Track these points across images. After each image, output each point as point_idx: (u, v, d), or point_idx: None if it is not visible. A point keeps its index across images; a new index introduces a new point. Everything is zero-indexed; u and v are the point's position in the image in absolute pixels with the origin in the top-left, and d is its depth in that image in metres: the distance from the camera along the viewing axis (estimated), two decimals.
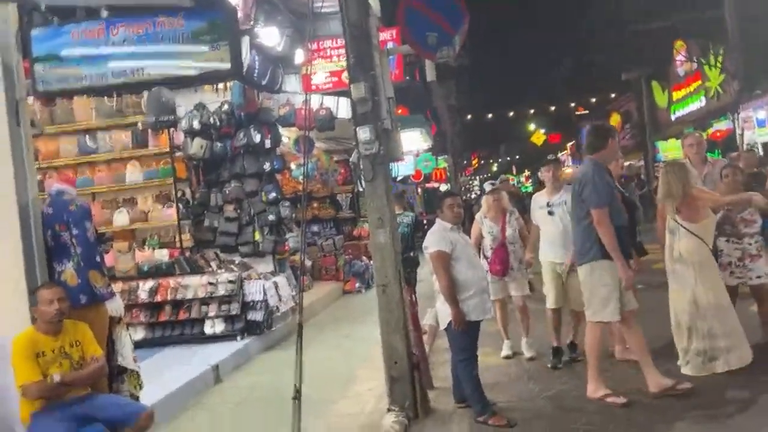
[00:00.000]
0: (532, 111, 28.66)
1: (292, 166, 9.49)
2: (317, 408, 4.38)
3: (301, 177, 8.90)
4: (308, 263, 9.51)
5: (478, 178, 46.00)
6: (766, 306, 4.74)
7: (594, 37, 21.23)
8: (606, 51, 20.34)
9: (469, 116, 29.44)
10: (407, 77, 12.23)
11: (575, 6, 24.41)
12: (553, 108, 26.99)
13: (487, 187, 5.71)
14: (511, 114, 28.23)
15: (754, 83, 13.68)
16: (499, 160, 47.97)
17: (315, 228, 10.98)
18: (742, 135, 14.27)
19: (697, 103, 17.18)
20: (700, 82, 16.84)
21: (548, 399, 4.38)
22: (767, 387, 4.05)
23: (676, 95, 18.68)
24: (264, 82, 6.22)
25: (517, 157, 45.27)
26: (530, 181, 38.67)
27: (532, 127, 33.63)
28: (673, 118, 18.98)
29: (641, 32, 17.38)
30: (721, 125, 15.68)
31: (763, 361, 4.31)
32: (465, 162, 39.47)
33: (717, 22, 14.67)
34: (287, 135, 8.47)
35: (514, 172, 44.68)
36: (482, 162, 47.38)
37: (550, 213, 5.03)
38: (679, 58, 17.71)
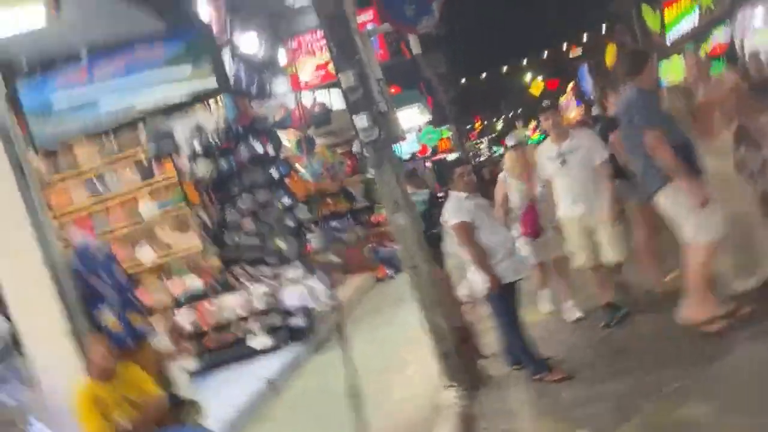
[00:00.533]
0: (524, 61, 28.03)
1: (298, 167, 9.48)
2: (373, 399, 4.39)
3: (309, 176, 8.89)
4: (336, 259, 9.53)
5: (484, 139, 45.38)
6: None
7: None
8: None
9: (462, 80, 28.97)
10: (393, 54, 12.09)
11: None
12: (546, 53, 26.33)
13: (509, 141, 5.38)
14: (505, 69, 27.65)
15: None
16: (503, 116, 47.30)
17: (334, 223, 10.97)
18: (742, 44, 13.81)
19: (691, 18, 16.66)
20: None
21: (593, 347, 4.34)
22: None
23: (668, 15, 18.12)
24: (253, 90, 6.20)
25: (520, 110, 44.58)
26: (537, 132, 38.13)
27: (528, 77, 33.00)
28: (668, 41, 18.45)
29: None
30: (720, 36, 15.19)
31: None
32: (468, 126, 39.05)
33: None
34: (288, 138, 8.44)
35: (521, 125, 44.04)
36: (485, 122, 46.79)
37: (563, 162, 4.63)
38: None
